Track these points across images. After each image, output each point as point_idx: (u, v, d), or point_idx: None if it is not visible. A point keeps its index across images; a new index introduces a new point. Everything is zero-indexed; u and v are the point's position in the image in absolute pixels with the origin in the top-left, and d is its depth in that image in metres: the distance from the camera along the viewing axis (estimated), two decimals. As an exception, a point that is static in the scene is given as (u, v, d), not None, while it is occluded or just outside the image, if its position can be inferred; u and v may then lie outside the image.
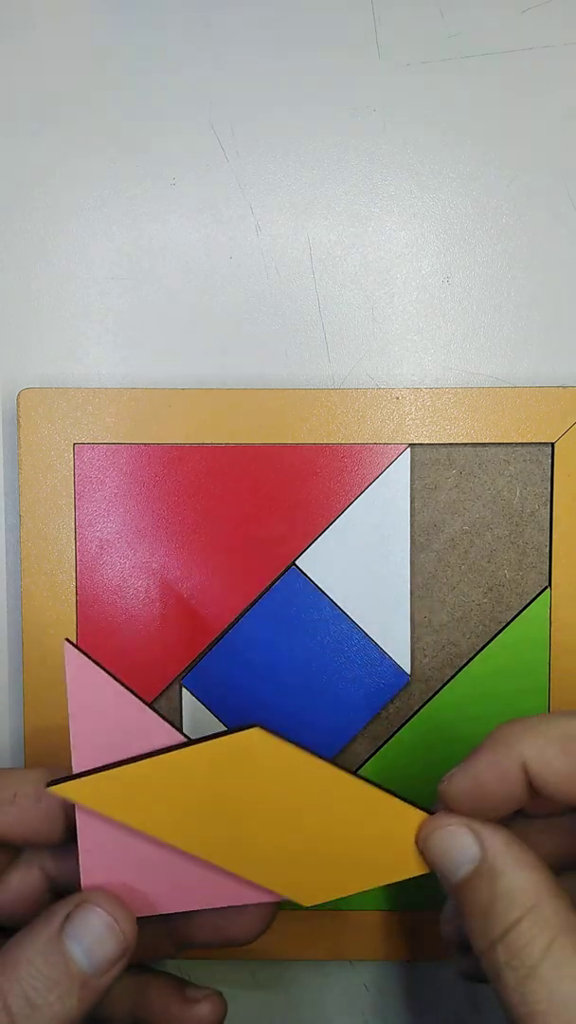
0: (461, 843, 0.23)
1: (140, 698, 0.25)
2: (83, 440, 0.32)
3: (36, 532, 0.32)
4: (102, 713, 0.25)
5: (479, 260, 0.34)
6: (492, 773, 0.23)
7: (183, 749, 0.24)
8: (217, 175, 0.34)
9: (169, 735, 0.25)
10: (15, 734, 0.34)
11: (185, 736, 0.25)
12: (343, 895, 0.25)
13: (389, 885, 0.25)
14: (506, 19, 0.34)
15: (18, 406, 0.32)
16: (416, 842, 0.24)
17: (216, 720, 0.33)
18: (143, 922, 0.25)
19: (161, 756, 0.24)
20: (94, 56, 0.34)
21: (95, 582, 0.32)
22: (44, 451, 0.32)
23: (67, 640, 0.25)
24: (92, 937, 0.23)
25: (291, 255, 0.34)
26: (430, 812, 0.24)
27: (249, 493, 0.32)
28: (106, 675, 0.25)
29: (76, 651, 0.25)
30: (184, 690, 0.33)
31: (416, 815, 0.24)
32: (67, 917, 0.23)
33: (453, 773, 0.24)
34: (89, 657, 0.25)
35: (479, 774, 0.23)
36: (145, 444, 0.32)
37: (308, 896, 0.25)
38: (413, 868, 0.24)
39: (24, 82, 0.34)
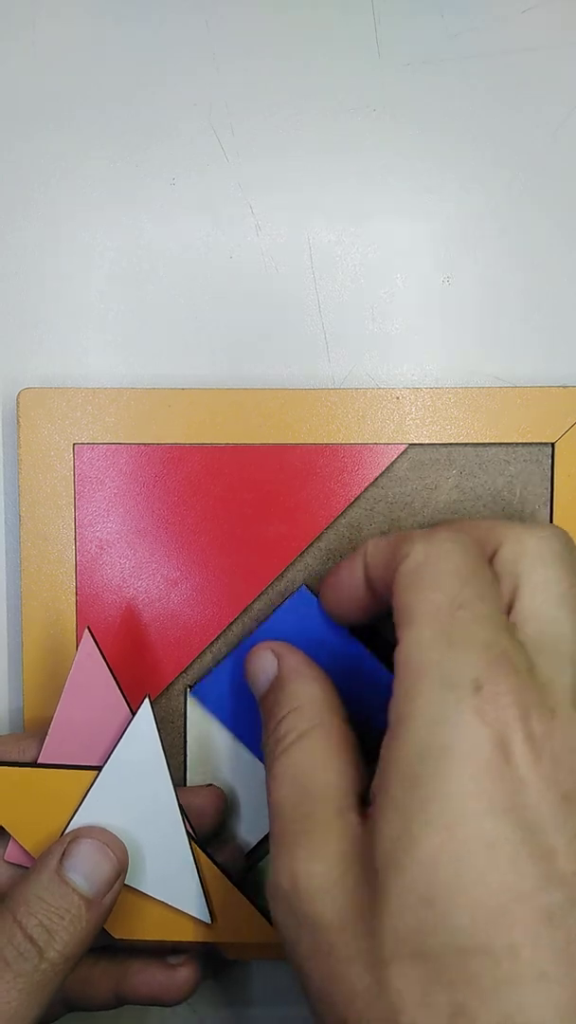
0: (264, 661, 0.27)
1: (130, 706, 0.28)
2: (83, 440, 0.32)
3: (36, 532, 0.32)
4: (90, 708, 0.27)
5: (479, 260, 0.34)
6: (345, 566, 0.28)
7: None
8: (217, 175, 0.34)
9: None
10: (15, 731, 0.34)
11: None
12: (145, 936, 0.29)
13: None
14: (506, 19, 0.34)
15: (18, 406, 0.32)
16: (245, 666, 0.28)
17: (224, 729, 0.33)
18: (95, 973, 0.29)
19: (72, 772, 0.28)
20: (94, 56, 0.34)
21: (95, 582, 0.32)
22: (44, 451, 0.32)
23: (88, 628, 0.29)
24: (89, 864, 0.26)
25: (291, 255, 0.34)
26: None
27: (249, 493, 0.32)
28: (110, 675, 0.28)
29: (92, 642, 0.28)
30: (189, 696, 0.33)
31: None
32: (64, 853, 0.26)
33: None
34: (102, 654, 0.28)
35: (338, 569, 0.28)
36: (145, 444, 0.32)
37: (118, 928, 0.29)
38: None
39: (24, 82, 0.34)
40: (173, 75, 0.34)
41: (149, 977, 0.30)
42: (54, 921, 0.25)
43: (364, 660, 0.31)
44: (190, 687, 0.33)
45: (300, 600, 0.31)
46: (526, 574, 0.24)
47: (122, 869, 0.27)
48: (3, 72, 0.34)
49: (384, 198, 0.34)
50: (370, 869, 0.21)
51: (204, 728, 0.33)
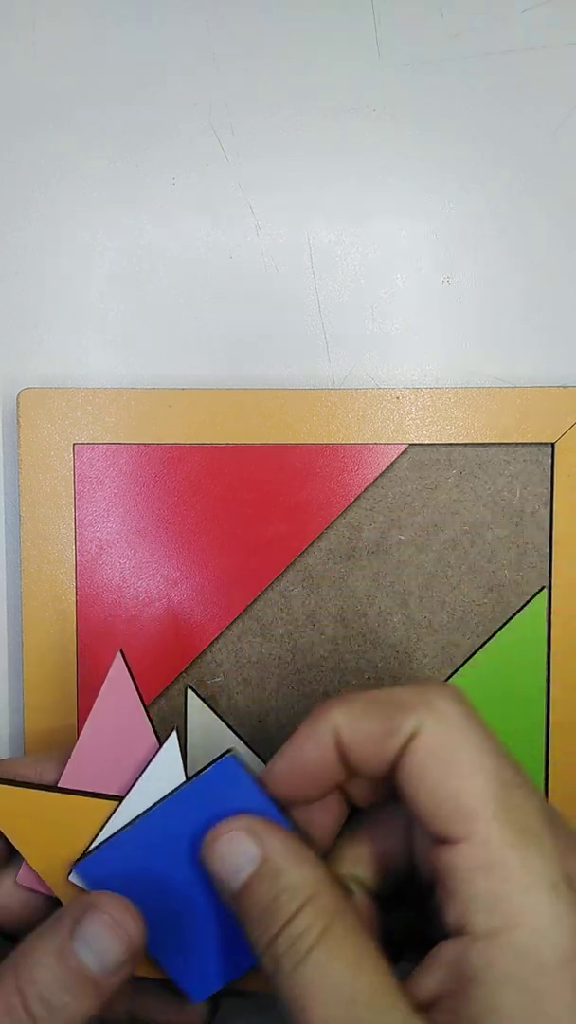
0: (241, 847, 0.23)
1: (157, 735, 0.26)
2: (83, 440, 0.32)
3: (36, 532, 0.32)
4: (115, 733, 0.27)
5: (479, 260, 0.34)
6: (308, 745, 0.24)
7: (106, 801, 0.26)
8: (217, 175, 0.34)
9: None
10: (15, 734, 0.34)
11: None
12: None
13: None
14: (506, 19, 0.34)
15: (18, 406, 0.32)
16: (199, 855, 0.24)
17: (222, 724, 0.33)
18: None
19: (92, 799, 0.26)
20: (94, 56, 0.34)
21: (95, 582, 0.32)
22: (44, 451, 0.32)
23: (120, 651, 0.27)
24: (101, 942, 0.24)
25: (291, 255, 0.34)
26: None
27: (249, 493, 0.32)
28: (139, 701, 0.27)
29: (123, 665, 0.27)
30: (189, 691, 0.33)
31: None
32: (76, 922, 0.24)
33: (274, 756, 0.24)
34: (132, 678, 0.27)
35: (298, 749, 0.24)
36: (145, 444, 0.32)
37: None
38: None
39: (24, 82, 0.34)
40: (173, 75, 0.34)
41: (163, 1005, 0.28)
42: (55, 996, 0.23)
43: None
44: (190, 686, 0.33)
45: (226, 771, 0.25)
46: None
47: (136, 951, 0.24)
48: (3, 72, 0.34)
49: (384, 198, 0.34)
50: None
51: (205, 728, 0.33)
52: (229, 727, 0.33)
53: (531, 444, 0.32)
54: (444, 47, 0.34)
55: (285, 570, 0.33)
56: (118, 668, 0.27)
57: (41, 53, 0.34)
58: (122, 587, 0.33)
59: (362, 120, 0.34)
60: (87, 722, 0.27)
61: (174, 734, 0.26)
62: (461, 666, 0.33)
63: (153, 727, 0.27)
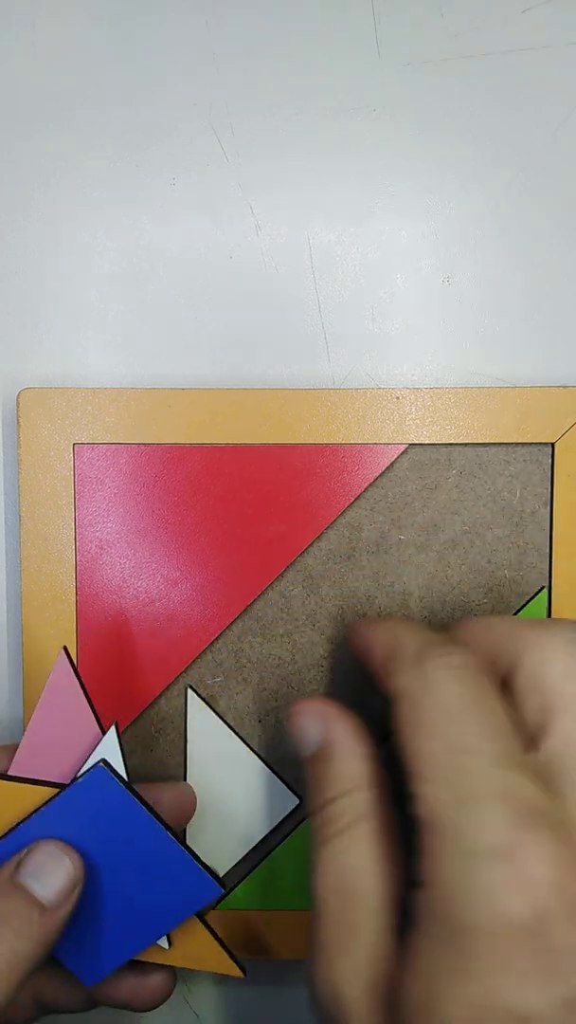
0: (311, 728, 0.26)
1: (101, 727, 0.28)
2: (83, 440, 0.32)
3: (36, 532, 0.32)
4: (62, 726, 0.28)
5: (479, 260, 0.34)
6: (363, 636, 0.27)
7: (41, 787, 0.28)
8: (217, 175, 0.34)
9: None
10: (15, 734, 0.34)
11: (116, 776, 0.27)
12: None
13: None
14: (506, 19, 0.34)
15: (18, 406, 0.32)
16: (289, 717, 0.27)
17: (222, 724, 0.33)
18: (67, 973, 0.28)
19: (28, 786, 0.28)
20: (94, 56, 0.34)
21: (95, 582, 0.32)
22: (44, 451, 0.32)
23: (64, 648, 0.29)
24: (44, 871, 0.26)
25: (291, 255, 0.34)
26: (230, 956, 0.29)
27: (249, 493, 0.32)
28: (82, 695, 0.28)
29: (67, 662, 0.28)
30: (189, 691, 0.33)
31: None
32: (19, 861, 0.26)
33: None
34: (76, 674, 0.28)
35: (361, 628, 0.27)
36: (145, 444, 0.32)
37: None
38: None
39: (24, 82, 0.34)
40: (173, 75, 0.34)
41: (120, 981, 0.29)
42: (4, 927, 0.24)
43: (165, 844, 0.28)
44: (190, 687, 0.33)
45: (98, 781, 0.27)
46: (556, 690, 0.22)
47: (79, 877, 0.26)
48: (3, 72, 0.34)
49: (384, 198, 0.34)
50: (398, 1014, 0.21)
51: (205, 728, 0.33)
52: (229, 727, 0.33)
53: (531, 444, 0.32)
54: (444, 47, 0.34)
55: (285, 570, 0.33)
56: (62, 664, 0.28)
57: (41, 53, 0.34)
58: (122, 587, 0.33)
59: (362, 120, 0.34)
60: (33, 715, 0.28)
61: (112, 728, 0.28)
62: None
63: (97, 719, 0.28)
